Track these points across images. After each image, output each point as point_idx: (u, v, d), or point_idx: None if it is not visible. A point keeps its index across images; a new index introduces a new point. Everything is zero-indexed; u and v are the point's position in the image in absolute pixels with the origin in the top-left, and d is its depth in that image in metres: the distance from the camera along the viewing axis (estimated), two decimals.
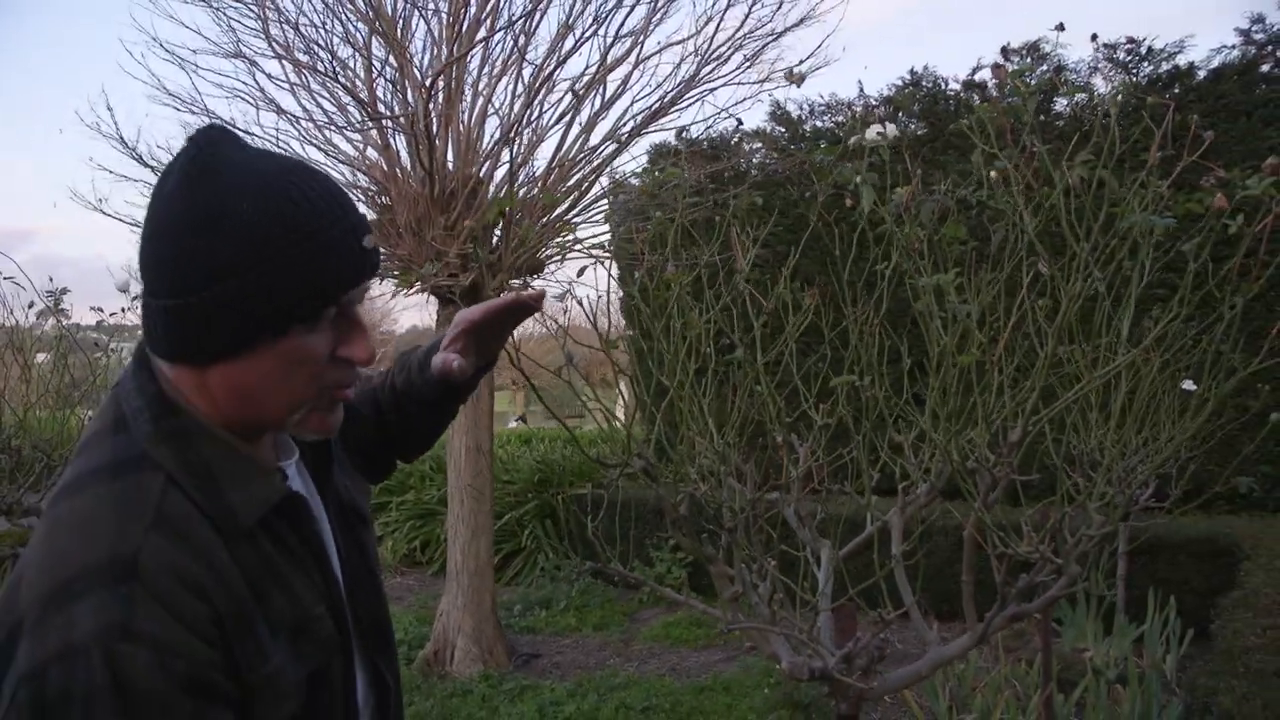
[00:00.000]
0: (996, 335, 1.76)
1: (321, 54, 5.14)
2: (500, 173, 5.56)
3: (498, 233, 5.62)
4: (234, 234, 0.95)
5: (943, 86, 7.48)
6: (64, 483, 0.99)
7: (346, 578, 1.15)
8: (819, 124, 7.98)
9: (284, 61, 5.04)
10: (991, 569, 1.72)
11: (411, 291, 5.77)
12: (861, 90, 7.98)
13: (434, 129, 4.84)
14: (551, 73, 5.19)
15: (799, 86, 1.95)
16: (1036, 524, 1.67)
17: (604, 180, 5.74)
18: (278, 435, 1.12)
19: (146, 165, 5.06)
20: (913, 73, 7.58)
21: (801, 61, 5.41)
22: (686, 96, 5.57)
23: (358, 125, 5.11)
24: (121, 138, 4.99)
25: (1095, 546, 1.72)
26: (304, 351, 1.00)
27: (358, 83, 5.18)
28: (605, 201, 6.03)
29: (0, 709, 0.86)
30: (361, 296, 1.07)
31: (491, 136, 5.41)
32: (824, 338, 2.20)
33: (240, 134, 1.05)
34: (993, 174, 1.87)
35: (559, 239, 5.94)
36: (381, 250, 5.63)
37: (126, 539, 0.90)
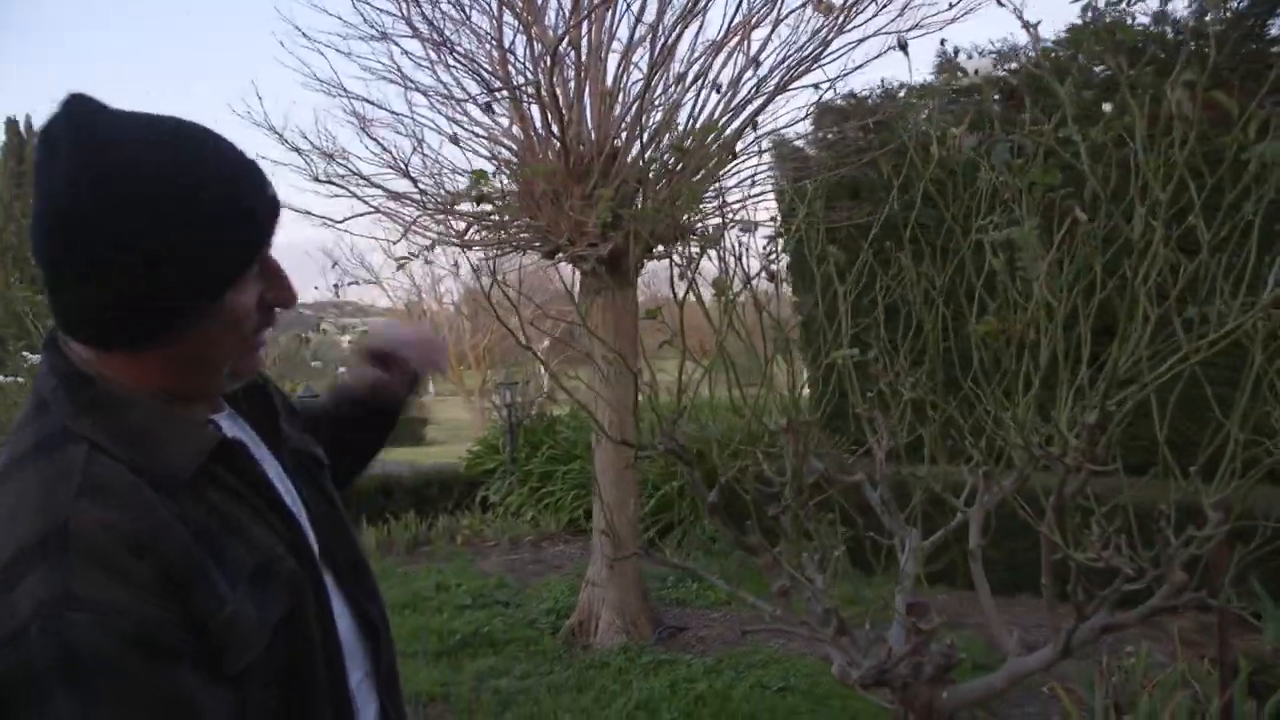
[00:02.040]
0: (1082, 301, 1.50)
1: (456, 29, 5.16)
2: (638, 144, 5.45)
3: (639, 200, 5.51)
4: (145, 215, 0.91)
5: (1130, 21, 6.75)
6: None
7: (313, 521, 1.16)
8: (989, 73, 7.41)
9: (421, 40, 5.09)
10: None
11: (551, 263, 5.76)
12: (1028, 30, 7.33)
13: (560, 98, 4.78)
14: (676, 36, 5.01)
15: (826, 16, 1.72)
16: (1105, 523, 1.40)
17: (747, 142, 5.51)
18: (214, 394, 1.11)
19: (294, 150, 5.25)
20: (1092, 8, 6.88)
21: (951, 5, 4.98)
22: (828, 52, 5.24)
23: (484, 99, 5.10)
24: (270, 125, 5.20)
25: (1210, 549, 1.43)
26: (238, 311, 1.00)
27: (494, 54, 5.17)
28: (752, 163, 5.82)
29: None
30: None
31: (625, 104, 5.28)
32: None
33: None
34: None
35: (711, 200, 5.77)
36: (525, 221, 5.71)
37: (55, 510, 0.89)
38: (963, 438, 1.92)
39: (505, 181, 5.64)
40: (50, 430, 0.96)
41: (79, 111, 0.94)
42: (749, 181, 5.88)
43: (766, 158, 6.09)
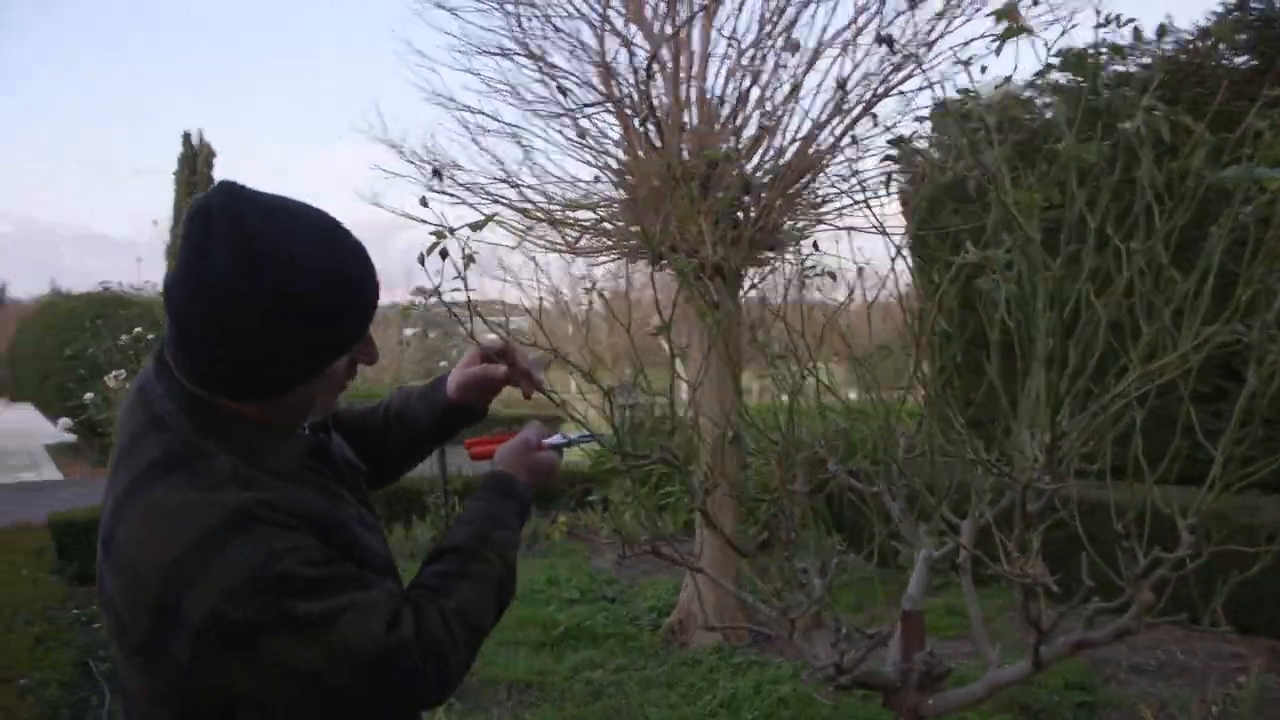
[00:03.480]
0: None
1: (557, 40, 5.35)
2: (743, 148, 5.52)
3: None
4: (299, 304, 1.12)
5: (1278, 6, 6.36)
6: (129, 480, 1.16)
7: None
8: (1120, 68, 7.09)
9: (526, 54, 5.31)
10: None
11: (654, 271, 5.88)
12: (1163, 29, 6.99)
13: (657, 108, 4.90)
14: (777, 37, 5.05)
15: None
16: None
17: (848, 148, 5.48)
18: None
19: (410, 161, 5.55)
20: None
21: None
22: (933, 55, 5.17)
23: (578, 110, 5.27)
24: (388, 139, 5.53)
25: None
26: (339, 370, 1.24)
27: (594, 65, 5.34)
28: (867, 165, 5.79)
29: (188, 655, 1.07)
30: None
31: (727, 111, 5.36)
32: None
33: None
34: None
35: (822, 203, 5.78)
36: (629, 228, 5.86)
37: (227, 501, 1.10)
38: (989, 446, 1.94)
39: (612, 189, 5.81)
40: (179, 447, 1.16)
41: (231, 201, 1.12)
42: (861, 186, 5.85)
43: (876, 160, 6.04)
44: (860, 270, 1.94)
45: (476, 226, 1.86)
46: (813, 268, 2.12)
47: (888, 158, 1.96)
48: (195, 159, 22.13)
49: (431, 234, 1.65)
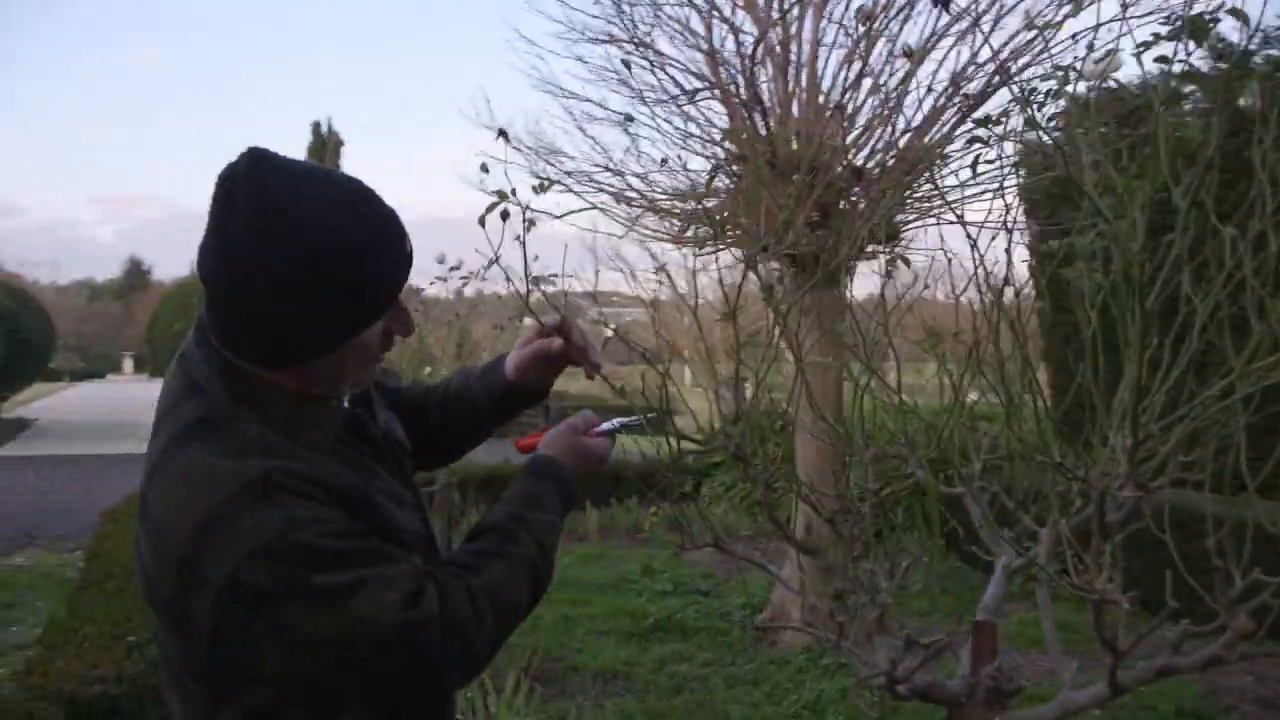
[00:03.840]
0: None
1: (664, 28, 5.30)
2: (850, 137, 5.36)
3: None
4: (321, 269, 1.10)
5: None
6: (164, 443, 1.18)
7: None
8: (1274, 52, 6.62)
9: (632, 41, 5.27)
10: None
11: (760, 260, 5.78)
12: None
13: (764, 95, 4.80)
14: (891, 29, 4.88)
15: None
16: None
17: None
18: None
19: (516, 148, 5.59)
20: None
21: None
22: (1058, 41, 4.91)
23: (686, 97, 5.21)
24: (495, 126, 5.57)
25: None
26: (370, 341, 1.20)
27: (702, 48, 5.27)
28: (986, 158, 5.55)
29: (209, 620, 1.08)
30: None
31: (832, 100, 5.22)
32: None
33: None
34: None
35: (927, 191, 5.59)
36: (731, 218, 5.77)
37: (251, 467, 1.10)
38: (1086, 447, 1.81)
39: (719, 180, 5.73)
40: (214, 413, 1.16)
41: (256, 167, 1.11)
42: (979, 180, 5.62)
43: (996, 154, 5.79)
44: (950, 262, 1.83)
45: (541, 189, 1.82)
46: (896, 259, 2.02)
47: (974, 139, 1.84)
48: (324, 148, 22.96)
49: (493, 194, 1.62)
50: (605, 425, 1.52)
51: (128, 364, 43.69)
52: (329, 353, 1.16)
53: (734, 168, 5.73)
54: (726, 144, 5.65)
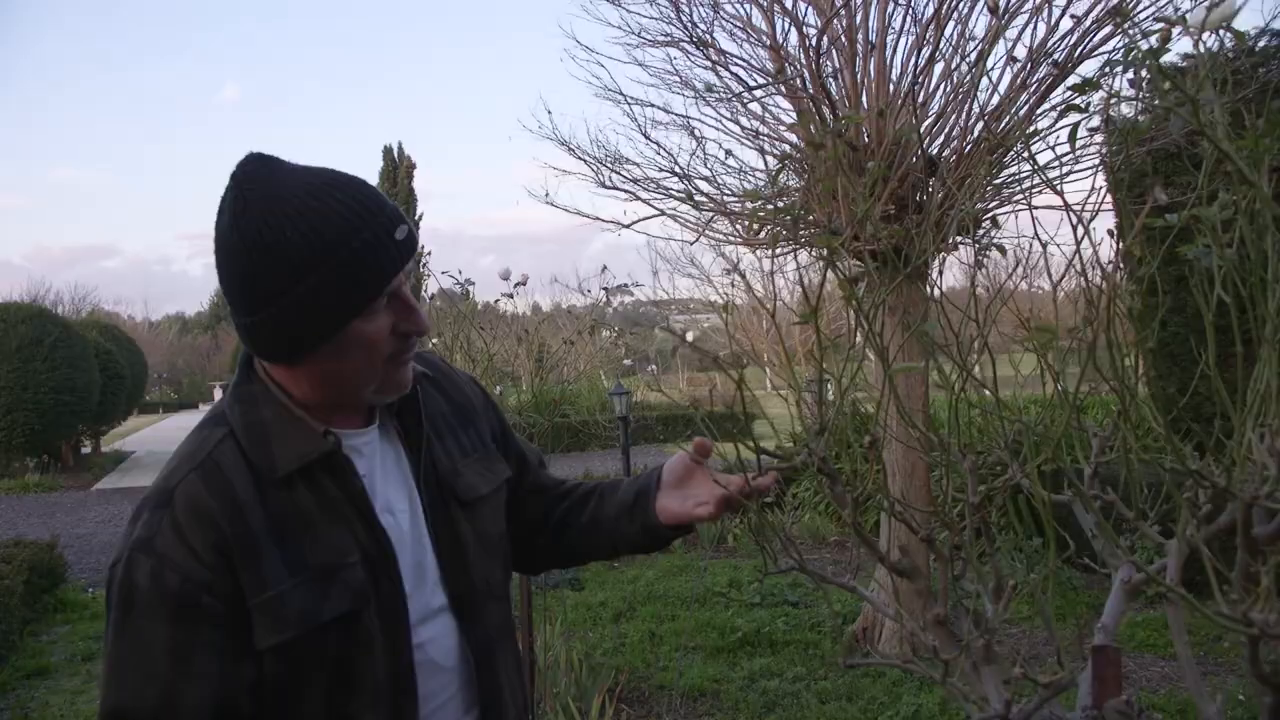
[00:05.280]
0: None
1: (726, 25, 5.16)
2: (924, 126, 5.14)
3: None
4: (281, 260, 1.11)
5: None
6: None
7: (436, 547, 1.31)
8: None
9: (693, 42, 5.14)
10: None
11: (834, 258, 5.59)
12: None
13: (832, 87, 4.62)
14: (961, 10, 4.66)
15: None
16: None
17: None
18: (362, 407, 1.29)
19: (579, 158, 5.50)
20: None
21: None
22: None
23: (747, 93, 5.05)
24: (559, 137, 5.49)
25: None
26: (367, 337, 1.17)
27: (765, 45, 5.12)
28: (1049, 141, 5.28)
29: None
30: (406, 277, 1.21)
31: (905, 89, 5.01)
32: None
33: (277, 157, 1.19)
34: None
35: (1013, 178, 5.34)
36: (807, 215, 5.59)
37: (174, 475, 1.17)
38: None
39: (789, 179, 5.57)
40: (216, 412, 1.25)
41: (242, 177, 1.14)
42: (1059, 160, 5.35)
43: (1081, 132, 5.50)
44: (1045, 247, 1.65)
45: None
46: (987, 246, 1.85)
47: (1070, 107, 1.66)
48: (396, 170, 23.30)
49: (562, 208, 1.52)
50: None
51: (217, 392, 45.18)
52: (326, 341, 1.16)
53: (806, 163, 5.56)
54: (796, 137, 5.48)
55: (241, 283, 1.14)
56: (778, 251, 5.94)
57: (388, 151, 23.06)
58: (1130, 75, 1.33)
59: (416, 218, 23.54)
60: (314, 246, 1.10)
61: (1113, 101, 1.60)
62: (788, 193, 5.78)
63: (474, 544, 1.35)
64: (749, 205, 5.81)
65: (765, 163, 5.61)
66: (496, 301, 5.02)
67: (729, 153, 5.17)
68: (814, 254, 5.70)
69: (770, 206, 5.72)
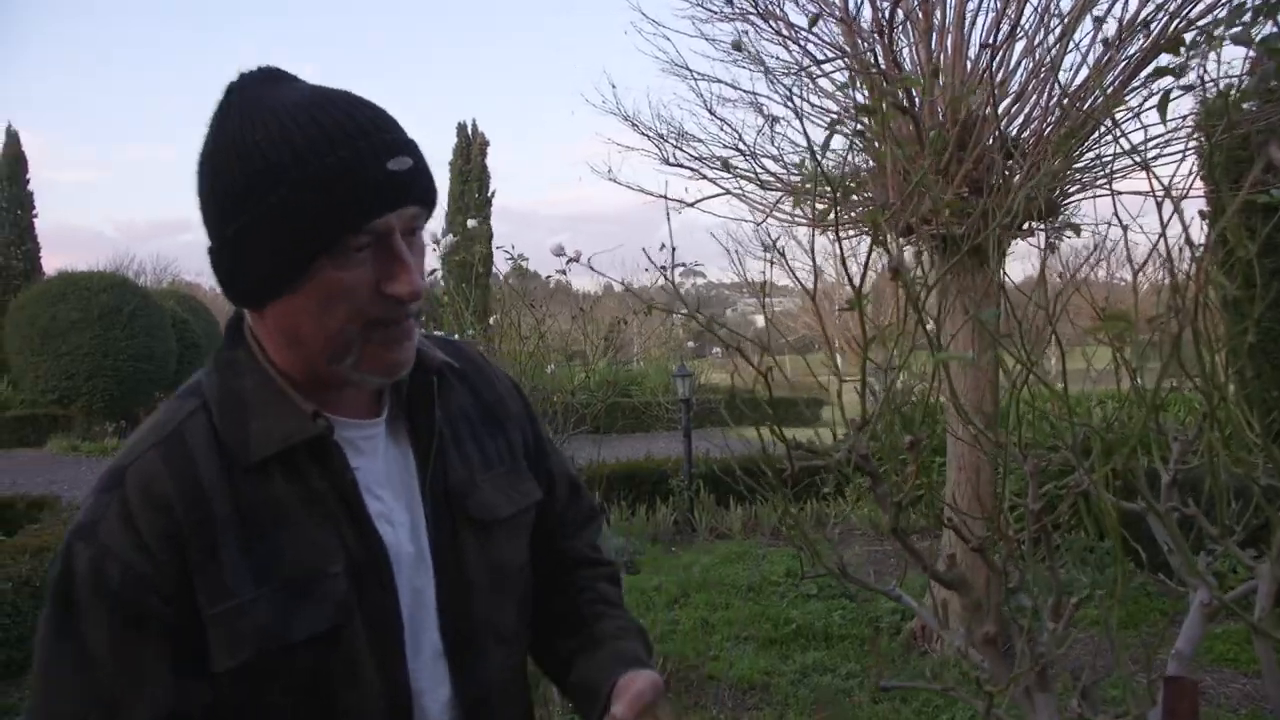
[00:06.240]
0: None
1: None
2: (1002, 106, 4.90)
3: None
4: (244, 166, 0.92)
5: None
6: None
7: (437, 574, 1.08)
8: None
9: (767, 14, 4.97)
10: None
11: (905, 242, 5.39)
12: None
13: (904, 65, 4.42)
14: None
15: None
16: None
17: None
18: (365, 390, 1.07)
19: (643, 133, 5.38)
20: None
21: None
22: None
23: (815, 67, 4.86)
24: (622, 112, 5.37)
25: None
26: (336, 285, 0.94)
27: (837, 18, 4.92)
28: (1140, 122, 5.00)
29: None
30: (406, 226, 0.98)
31: (980, 66, 4.78)
32: None
33: (294, 75, 1.01)
34: None
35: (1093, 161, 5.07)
36: (856, 197, 5.40)
37: (132, 452, 0.99)
38: None
39: (860, 160, 5.37)
40: (194, 380, 1.06)
41: (238, 82, 0.98)
42: (1145, 144, 5.07)
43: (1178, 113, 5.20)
44: (1125, 230, 1.49)
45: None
46: (1063, 227, 1.68)
47: (1161, 70, 1.49)
48: (469, 148, 23.40)
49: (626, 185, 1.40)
50: None
51: None
52: (289, 282, 0.95)
53: (876, 145, 5.36)
54: (864, 119, 5.28)
55: (208, 197, 0.97)
56: (845, 234, 5.75)
57: (461, 128, 23.16)
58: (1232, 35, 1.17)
59: (489, 195, 23.60)
60: (280, 155, 0.91)
61: (1209, 69, 1.43)
62: (856, 174, 5.59)
63: (483, 575, 1.11)
64: (806, 185, 5.63)
65: (815, 141, 5.41)
66: (549, 277, 4.95)
67: (781, 121, 4.95)
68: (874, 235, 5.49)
69: (813, 183, 5.54)
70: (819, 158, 1.66)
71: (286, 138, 0.92)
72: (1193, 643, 1.46)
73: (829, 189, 5.22)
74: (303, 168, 0.91)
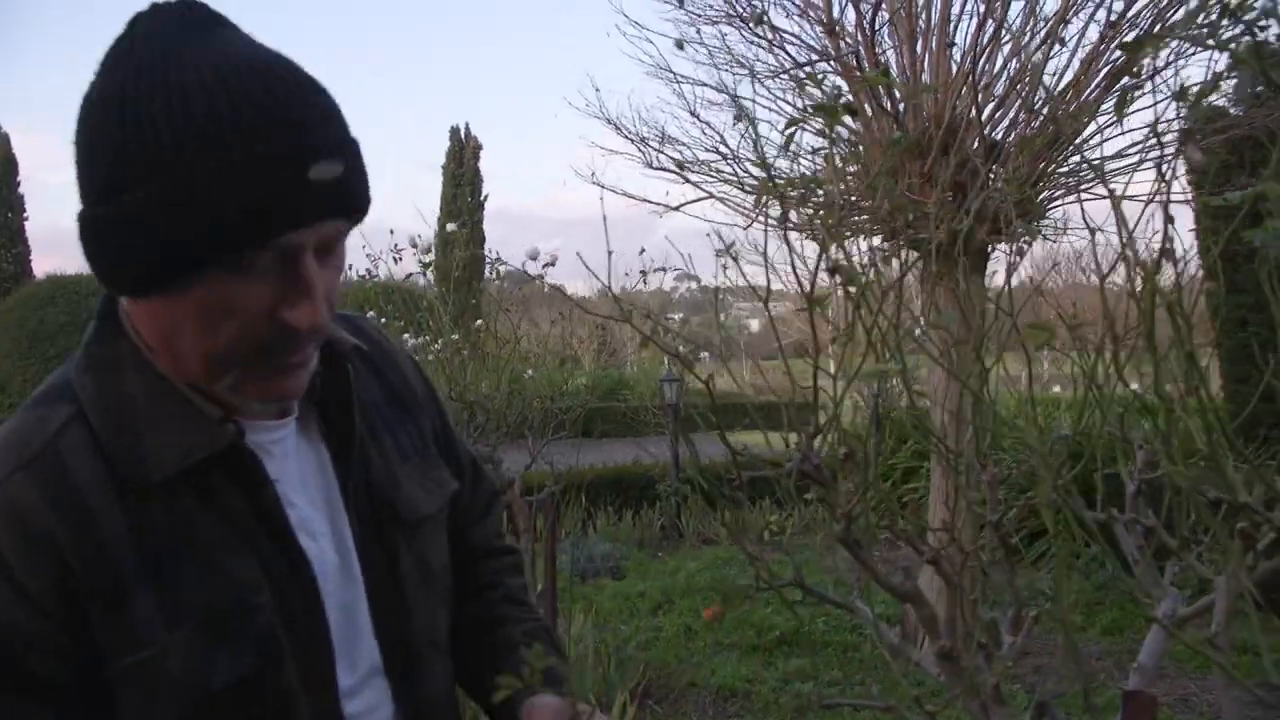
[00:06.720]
0: None
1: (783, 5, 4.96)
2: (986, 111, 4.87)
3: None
4: (131, 135, 0.74)
5: None
6: None
7: (368, 584, 0.97)
8: None
9: (743, 19, 4.95)
10: None
11: (890, 248, 5.36)
12: None
13: (891, 67, 4.40)
14: None
15: None
16: None
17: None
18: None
19: (626, 137, 5.35)
20: None
21: None
22: None
23: (796, 68, 4.84)
24: (606, 115, 5.34)
25: None
26: (227, 300, 0.78)
27: (819, 21, 4.90)
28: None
29: None
30: (323, 242, 0.81)
31: (965, 71, 4.76)
32: None
33: (226, 19, 0.81)
34: None
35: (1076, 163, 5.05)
36: (864, 204, 5.38)
37: None
38: None
39: (849, 165, 5.35)
40: (59, 381, 0.87)
41: (145, 15, 0.79)
42: (1136, 146, 5.04)
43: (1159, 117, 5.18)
44: (1094, 234, 1.46)
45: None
46: (1031, 233, 1.65)
47: (1122, 71, 1.47)
48: (462, 152, 23.37)
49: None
50: None
51: None
52: (170, 284, 0.77)
53: (859, 148, 5.33)
54: (848, 122, 5.26)
55: (85, 152, 0.78)
56: (841, 239, 5.71)
57: (454, 132, 23.10)
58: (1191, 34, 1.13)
59: (481, 199, 23.52)
60: (176, 137, 0.73)
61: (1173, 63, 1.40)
62: (841, 177, 5.56)
63: (416, 580, 1.01)
64: (802, 190, 5.61)
65: (789, 139, 5.38)
66: (538, 278, 4.92)
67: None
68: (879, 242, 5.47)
69: (823, 190, 5.51)
70: (770, 157, 1.62)
71: (189, 113, 0.73)
72: (1155, 655, 1.42)
73: (790, 190, 5.20)
74: (202, 159, 0.73)
